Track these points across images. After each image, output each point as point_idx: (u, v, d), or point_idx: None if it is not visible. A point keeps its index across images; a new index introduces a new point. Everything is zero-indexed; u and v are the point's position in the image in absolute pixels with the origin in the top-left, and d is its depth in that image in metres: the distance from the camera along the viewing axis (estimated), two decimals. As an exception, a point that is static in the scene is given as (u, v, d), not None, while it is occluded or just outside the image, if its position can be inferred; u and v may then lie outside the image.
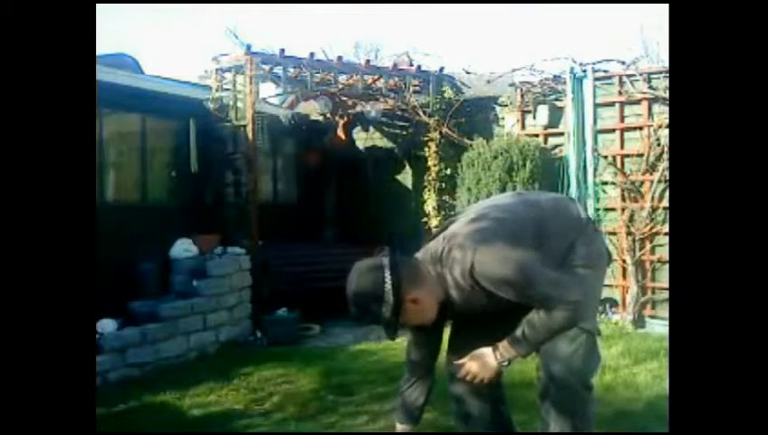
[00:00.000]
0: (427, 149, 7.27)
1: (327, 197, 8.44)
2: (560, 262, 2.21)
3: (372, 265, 2.13)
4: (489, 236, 2.12)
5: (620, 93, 6.20)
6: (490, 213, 2.28)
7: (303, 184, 8.53)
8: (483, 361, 2.19)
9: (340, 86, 7.39)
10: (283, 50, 6.47)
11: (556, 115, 6.66)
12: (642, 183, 6.04)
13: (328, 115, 8.00)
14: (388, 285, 2.06)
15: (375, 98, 7.63)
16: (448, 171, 7.05)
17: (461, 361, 2.25)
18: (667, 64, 5.36)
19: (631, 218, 6.07)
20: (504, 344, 2.16)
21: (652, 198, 5.93)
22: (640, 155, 6.02)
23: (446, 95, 7.32)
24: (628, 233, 6.03)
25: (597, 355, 2.28)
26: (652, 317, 5.94)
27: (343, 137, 8.09)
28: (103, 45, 3.79)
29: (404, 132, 7.95)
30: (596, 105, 6.31)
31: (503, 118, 7.17)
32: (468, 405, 2.45)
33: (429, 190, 7.19)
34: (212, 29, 23.59)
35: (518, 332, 2.13)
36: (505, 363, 2.17)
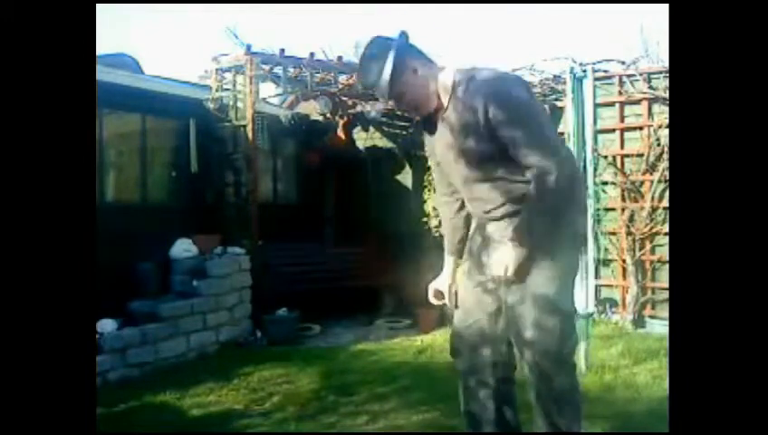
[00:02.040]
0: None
1: (327, 197, 8.43)
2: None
3: (385, 36, 2.31)
4: (518, 80, 2.37)
5: (620, 93, 6.20)
6: None
7: (303, 184, 8.53)
8: (502, 254, 2.25)
9: (340, 86, 7.38)
10: (283, 50, 6.47)
11: (556, 115, 6.66)
12: (642, 183, 6.04)
13: (328, 115, 7.99)
14: (393, 49, 2.24)
15: (375, 98, 7.61)
16: (448, 171, 7.04)
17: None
18: (667, 64, 5.36)
19: (631, 218, 6.07)
20: (511, 237, 2.24)
21: (652, 198, 5.93)
22: (640, 155, 6.02)
23: (446, 95, 7.30)
24: (628, 233, 6.03)
25: (575, 333, 2.46)
26: (652, 317, 5.94)
27: (343, 137, 8.08)
28: (103, 45, 3.78)
29: (404, 132, 7.94)
30: (596, 105, 6.31)
31: (503, 118, 7.15)
32: (477, 403, 2.47)
33: (429, 190, 7.18)
34: (212, 29, 23.52)
35: (517, 224, 2.25)
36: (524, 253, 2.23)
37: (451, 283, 2.63)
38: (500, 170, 2.29)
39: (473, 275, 2.50)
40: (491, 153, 2.26)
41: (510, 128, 2.19)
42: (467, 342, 2.48)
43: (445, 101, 2.32)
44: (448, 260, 2.66)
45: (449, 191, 2.58)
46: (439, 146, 2.42)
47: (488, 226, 2.43)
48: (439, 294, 2.66)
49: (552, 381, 2.33)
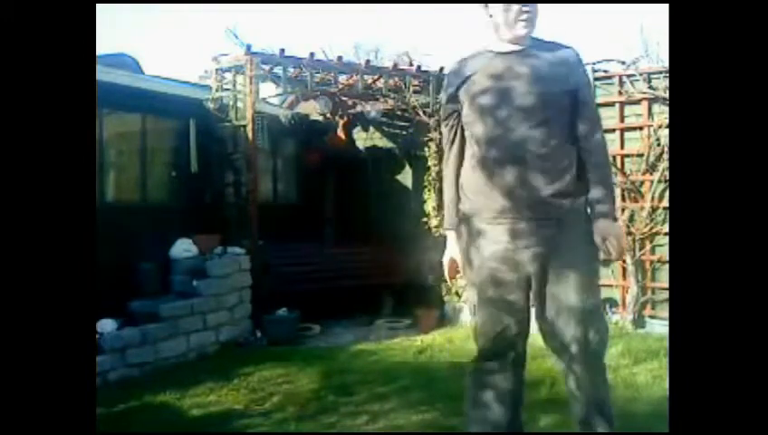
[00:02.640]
0: (426, 149, 7.25)
1: (327, 197, 8.43)
2: None
3: None
4: None
5: (620, 93, 6.20)
6: None
7: (303, 184, 8.52)
8: (612, 231, 2.29)
9: (340, 86, 7.38)
10: (283, 50, 6.46)
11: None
12: (642, 183, 6.04)
13: (328, 115, 7.99)
14: None
15: (375, 98, 7.62)
16: (448, 171, 7.02)
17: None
18: (667, 64, 5.36)
19: (631, 218, 6.07)
20: (601, 217, 2.30)
21: (652, 198, 5.92)
22: (640, 155, 6.02)
23: (446, 95, 7.28)
24: (629, 233, 6.02)
25: (606, 326, 2.45)
26: (652, 317, 5.94)
27: (343, 137, 8.08)
28: (103, 45, 3.78)
29: (404, 132, 7.93)
30: (596, 105, 6.30)
31: (503, 118, 7.14)
32: (486, 403, 2.45)
33: (429, 190, 7.18)
34: (212, 29, 23.50)
35: (593, 195, 2.33)
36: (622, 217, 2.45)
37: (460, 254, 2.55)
38: (534, 158, 2.30)
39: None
40: (549, 119, 2.32)
41: (592, 110, 2.45)
42: (493, 345, 2.44)
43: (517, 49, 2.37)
44: (451, 234, 2.57)
45: (459, 160, 2.51)
46: (496, 89, 2.35)
47: (478, 222, 2.39)
48: (453, 266, 2.55)
49: (603, 374, 2.39)
